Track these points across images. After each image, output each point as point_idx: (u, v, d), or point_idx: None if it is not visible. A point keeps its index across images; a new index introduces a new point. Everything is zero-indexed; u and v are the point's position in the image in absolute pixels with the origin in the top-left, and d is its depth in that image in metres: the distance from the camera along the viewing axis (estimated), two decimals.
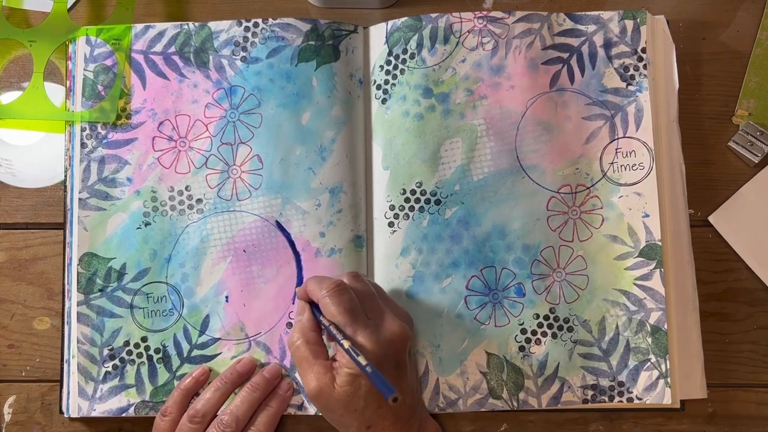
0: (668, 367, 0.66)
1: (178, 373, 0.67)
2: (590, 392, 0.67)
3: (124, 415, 0.67)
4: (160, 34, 0.71)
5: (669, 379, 0.66)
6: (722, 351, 0.70)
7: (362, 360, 0.56)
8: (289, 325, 0.67)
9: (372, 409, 0.59)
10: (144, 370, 0.67)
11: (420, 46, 0.70)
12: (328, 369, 0.59)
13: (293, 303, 0.68)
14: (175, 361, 0.67)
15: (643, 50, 0.70)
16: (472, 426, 0.69)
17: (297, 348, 0.61)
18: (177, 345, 0.68)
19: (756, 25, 0.73)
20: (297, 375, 0.67)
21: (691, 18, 0.74)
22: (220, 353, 0.68)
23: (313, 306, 0.62)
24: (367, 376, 0.56)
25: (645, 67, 0.70)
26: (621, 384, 0.66)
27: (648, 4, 0.74)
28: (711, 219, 0.71)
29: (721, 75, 0.73)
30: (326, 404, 0.59)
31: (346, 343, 0.57)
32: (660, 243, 0.67)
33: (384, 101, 0.70)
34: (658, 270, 0.67)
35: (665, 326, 0.67)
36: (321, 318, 0.61)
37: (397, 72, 0.70)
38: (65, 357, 0.68)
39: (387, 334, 0.60)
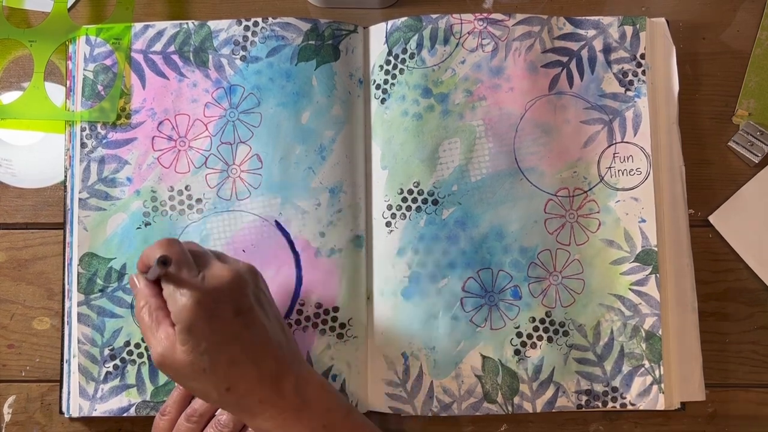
0: (662, 372, 0.66)
1: None
2: (584, 397, 0.67)
3: (125, 415, 0.67)
4: (160, 34, 0.71)
5: (663, 385, 0.66)
6: (722, 351, 0.70)
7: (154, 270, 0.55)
8: (289, 325, 0.67)
9: (223, 367, 0.55)
10: (145, 370, 0.67)
11: (420, 46, 0.70)
12: (171, 334, 0.55)
13: (292, 303, 0.68)
14: None
15: (642, 56, 0.70)
16: (472, 426, 0.69)
17: (141, 317, 0.57)
18: None
19: (756, 25, 0.73)
20: None
21: (691, 18, 0.74)
22: None
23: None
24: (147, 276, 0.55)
25: (644, 73, 0.70)
26: (615, 389, 0.66)
27: (648, 4, 0.74)
28: (711, 219, 0.71)
29: (721, 75, 0.73)
30: (176, 372, 0.56)
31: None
32: (656, 248, 0.67)
33: (383, 101, 0.70)
34: (654, 275, 0.67)
35: (660, 332, 0.67)
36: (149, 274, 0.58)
37: (397, 72, 0.70)
38: (65, 357, 0.68)
39: (213, 281, 0.55)
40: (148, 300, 0.58)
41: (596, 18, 0.71)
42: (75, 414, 0.67)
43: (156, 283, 0.58)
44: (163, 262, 0.53)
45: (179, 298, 0.55)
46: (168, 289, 0.56)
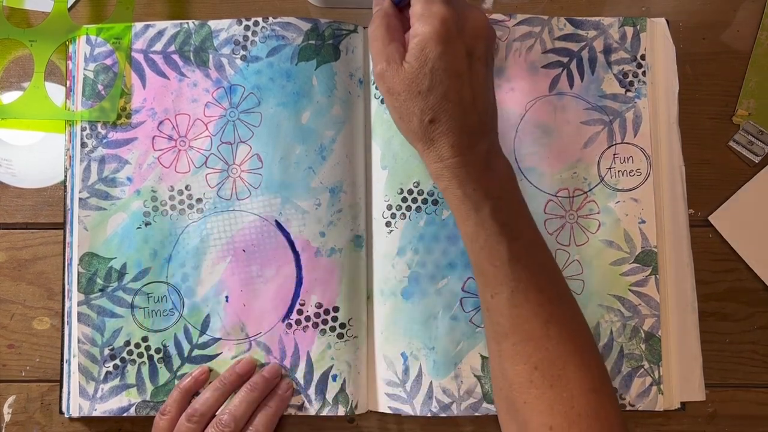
0: (661, 374, 0.66)
1: (178, 373, 0.67)
2: None
3: (125, 414, 0.67)
4: (160, 33, 0.71)
5: (662, 386, 0.66)
6: (722, 351, 0.70)
7: None
8: (289, 325, 0.67)
9: (437, 96, 0.56)
10: (145, 369, 0.67)
11: None
12: (400, 49, 0.57)
13: (292, 303, 0.68)
14: (176, 361, 0.68)
15: (643, 57, 0.70)
16: (472, 426, 0.69)
17: (375, 29, 0.59)
18: (178, 345, 0.68)
19: (756, 25, 0.73)
20: (296, 375, 0.67)
21: (691, 18, 0.74)
22: (221, 353, 0.68)
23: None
24: None
25: (644, 74, 0.70)
26: (614, 390, 0.66)
27: (648, 4, 0.74)
28: (711, 219, 0.71)
29: (721, 75, 0.73)
30: (390, 85, 0.57)
31: None
32: (656, 249, 0.68)
33: (383, 101, 0.70)
34: (654, 276, 0.67)
35: (659, 333, 0.67)
36: None
37: None
38: (65, 357, 0.68)
39: (467, 18, 0.57)
40: (389, 19, 0.59)
41: (596, 18, 0.71)
42: (75, 414, 0.67)
43: (399, 9, 0.60)
44: None
45: (429, 14, 0.56)
46: (419, 5, 0.57)
